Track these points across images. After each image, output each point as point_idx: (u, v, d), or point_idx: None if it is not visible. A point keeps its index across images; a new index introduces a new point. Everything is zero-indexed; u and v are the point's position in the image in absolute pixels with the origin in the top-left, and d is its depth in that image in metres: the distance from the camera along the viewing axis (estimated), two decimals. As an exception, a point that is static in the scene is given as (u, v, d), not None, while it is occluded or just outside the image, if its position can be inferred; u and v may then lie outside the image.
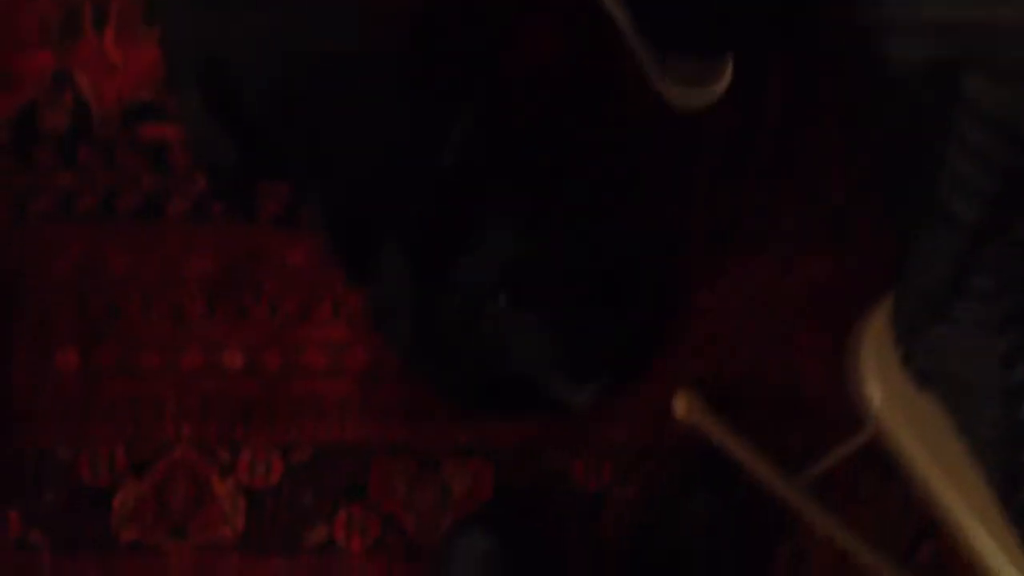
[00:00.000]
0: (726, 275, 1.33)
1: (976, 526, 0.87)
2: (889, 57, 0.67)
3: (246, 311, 1.35)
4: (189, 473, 1.32)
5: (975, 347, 0.76)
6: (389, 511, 1.31)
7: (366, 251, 1.09)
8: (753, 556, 1.28)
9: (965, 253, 0.74)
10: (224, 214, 1.37)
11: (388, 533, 1.30)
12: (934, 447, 0.88)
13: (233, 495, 1.31)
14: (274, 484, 1.32)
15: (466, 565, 1.23)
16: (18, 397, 1.34)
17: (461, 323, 1.04)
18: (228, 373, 1.34)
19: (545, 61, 1.37)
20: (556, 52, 1.38)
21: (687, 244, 1.33)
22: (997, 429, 0.78)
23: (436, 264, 1.02)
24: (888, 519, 1.26)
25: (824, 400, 1.27)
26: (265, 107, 1.03)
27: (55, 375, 1.34)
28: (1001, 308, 0.74)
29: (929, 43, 0.67)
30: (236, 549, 1.31)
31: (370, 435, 1.32)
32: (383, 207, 1.05)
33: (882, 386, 0.88)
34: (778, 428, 1.28)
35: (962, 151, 0.72)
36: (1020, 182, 0.70)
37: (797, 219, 1.34)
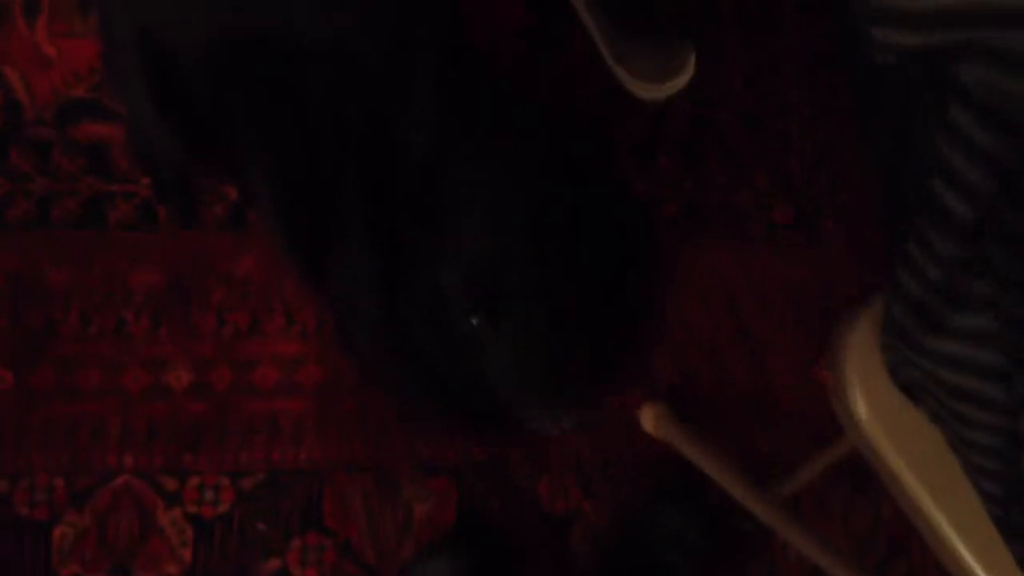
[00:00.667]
0: (694, 273, 1.28)
1: (963, 543, 0.82)
2: (883, 44, 0.61)
3: (193, 325, 1.27)
4: (132, 503, 1.23)
5: (972, 358, 0.69)
6: (346, 537, 1.23)
7: (322, 249, 1.01)
8: (725, 570, 1.23)
9: (961, 256, 0.67)
10: (169, 220, 1.29)
11: (345, 561, 1.22)
12: (919, 461, 0.83)
13: (180, 525, 1.23)
14: (223, 512, 1.23)
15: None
16: (-54, 423, 1.26)
17: (430, 333, 0.95)
18: (174, 393, 1.25)
19: (510, 52, 1.31)
20: (520, 41, 1.31)
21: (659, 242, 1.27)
22: (997, 441, 0.71)
23: (403, 262, 0.93)
24: (860, 534, 1.23)
25: (796, 405, 1.25)
26: (207, 82, 0.97)
27: (-15, 399, 1.26)
28: (1000, 316, 0.67)
29: (924, 29, 0.61)
30: (183, 584, 1.23)
31: (326, 456, 1.24)
32: (341, 194, 0.97)
33: (866, 396, 0.82)
34: (749, 434, 1.25)
35: (955, 144, 0.65)
36: (1016, 176, 0.64)
37: (765, 213, 1.29)
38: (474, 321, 0.88)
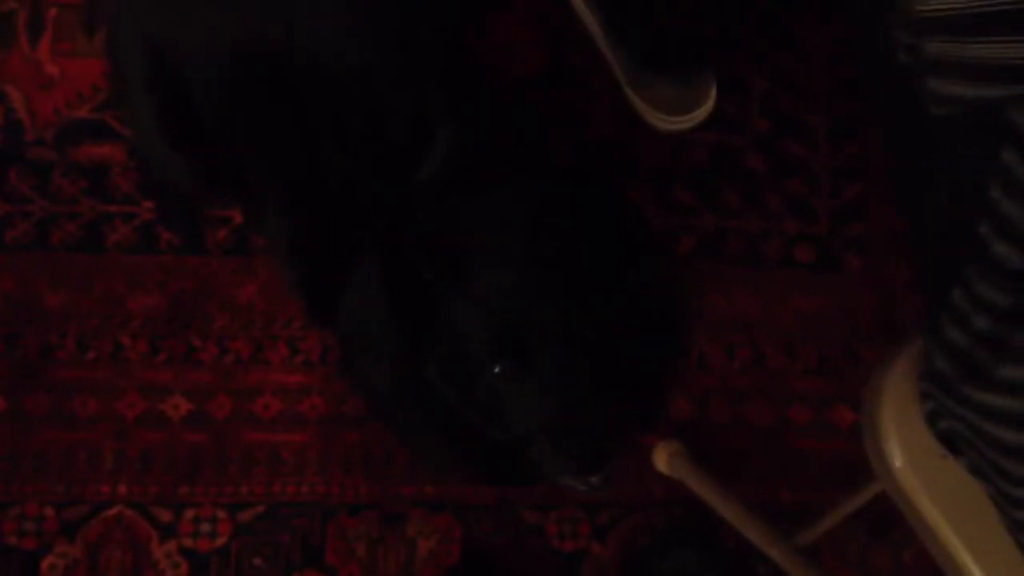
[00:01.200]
0: (709, 302, 1.25)
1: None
2: (941, 95, 0.59)
3: (193, 352, 1.23)
4: (126, 535, 1.19)
5: (1020, 412, 0.67)
6: (347, 575, 1.19)
7: (333, 279, 0.98)
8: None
9: (1010, 306, 0.65)
10: (171, 244, 1.26)
11: (346, 601, 1.20)
12: (957, 513, 0.80)
13: (174, 559, 1.19)
14: (220, 546, 1.19)
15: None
16: (-64, 449, 1.22)
17: (449, 376, 0.91)
18: (172, 422, 1.22)
19: (523, 76, 1.29)
20: (534, 67, 1.30)
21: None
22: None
23: (421, 301, 0.90)
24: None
25: (814, 443, 1.23)
26: (214, 98, 0.95)
27: (-23, 424, 1.22)
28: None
29: (978, 82, 0.59)
30: (177, 620, 1.19)
31: (328, 490, 1.20)
32: (353, 220, 0.94)
33: (901, 444, 0.79)
34: (765, 474, 1.22)
35: (1008, 190, 0.63)
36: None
37: (781, 241, 1.27)
38: (496, 369, 0.85)
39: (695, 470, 1.12)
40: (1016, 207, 0.63)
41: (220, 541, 1.19)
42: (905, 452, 0.78)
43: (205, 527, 1.20)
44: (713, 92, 1.22)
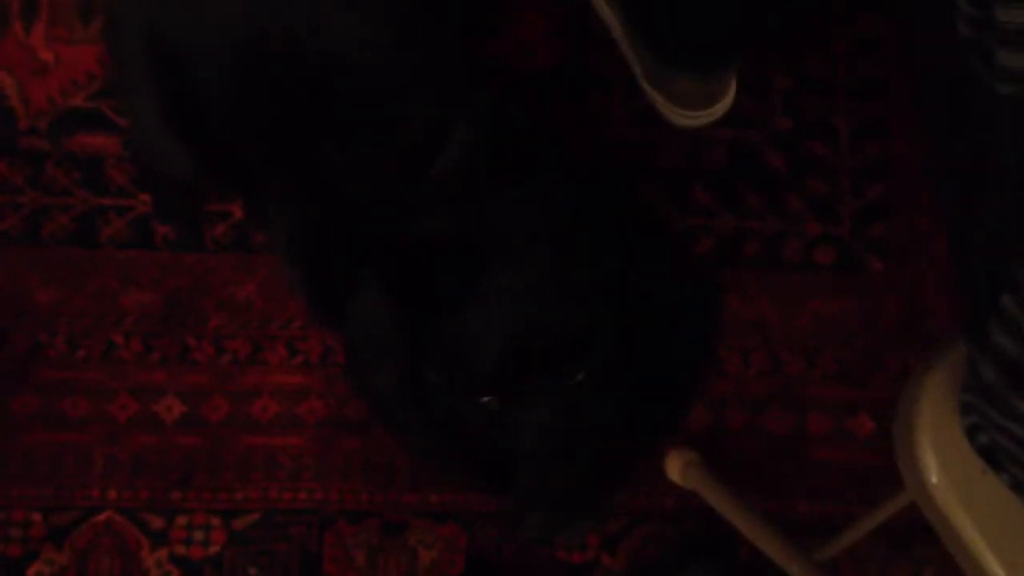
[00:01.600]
0: (727, 314, 1.21)
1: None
2: (1003, 72, 0.55)
3: (188, 352, 1.20)
4: (115, 541, 1.16)
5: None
6: (346, 587, 1.16)
7: (340, 282, 0.94)
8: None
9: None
10: (167, 239, 1.22)
11: (344, 613, 1.16)
12: (995, 533, 0.76)
13: (165, 568, 1.15)
14: (213, 554, 1.16)
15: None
16: (-80, 450, 1.18)
17: (453, 383, 0.87)
18: (165, 424, 1.18)
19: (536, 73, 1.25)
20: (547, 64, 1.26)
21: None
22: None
23: (429, 306, 0.86)
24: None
25: (834, 453, 1.19)
26: (224, 92, 0.91)
27: (-37, 425, 1.18)
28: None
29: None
30: (167, 631, 1.15)
31: (327, 496, 1.17)
32: (361, 226, 0.90)
33: (938, 459, 0.74)
34: (783, 485, 1.18)
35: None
36: None
37: (801, 243, 1.23)
38: (492, 404, 0.81)
39: (709, 480, 1.08)
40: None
41: (213, 549, 1.16)
42: (942, 467, 0.73)
43: (198, 534, 1.16)
44: (733, 87, 1.18)
